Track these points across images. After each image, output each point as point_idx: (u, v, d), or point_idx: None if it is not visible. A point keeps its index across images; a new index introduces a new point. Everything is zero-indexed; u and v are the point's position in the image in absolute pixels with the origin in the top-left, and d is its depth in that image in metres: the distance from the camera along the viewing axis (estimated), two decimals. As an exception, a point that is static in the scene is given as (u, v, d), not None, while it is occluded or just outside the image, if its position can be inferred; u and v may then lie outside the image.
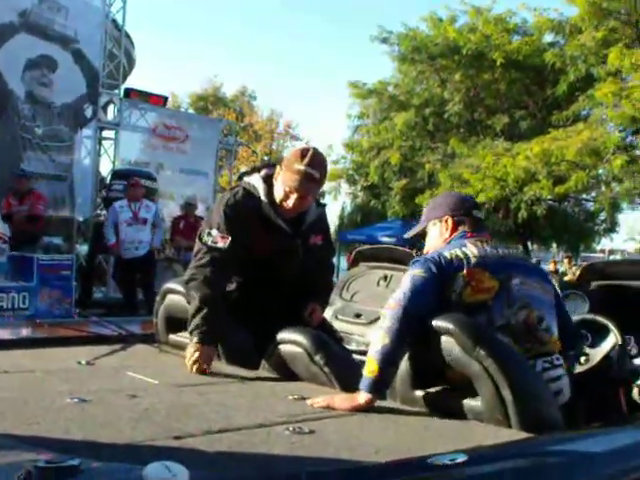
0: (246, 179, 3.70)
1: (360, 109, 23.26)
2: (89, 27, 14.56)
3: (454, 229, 3.16)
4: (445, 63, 20.55)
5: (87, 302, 12.31)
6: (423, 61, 20.60)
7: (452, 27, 20.27)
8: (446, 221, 3.19)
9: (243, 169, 38.18)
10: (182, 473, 1.43)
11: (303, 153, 3.50)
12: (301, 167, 3.44)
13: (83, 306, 11.06)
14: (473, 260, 2.90)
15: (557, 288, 3.33)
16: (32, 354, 3.45)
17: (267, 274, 3.64)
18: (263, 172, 3.66)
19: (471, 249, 2.95)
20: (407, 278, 2.85)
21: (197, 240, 3.61)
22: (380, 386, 2.68)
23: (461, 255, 2.90)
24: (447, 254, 2.91)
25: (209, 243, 3.51)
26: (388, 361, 2.69)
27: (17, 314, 9.73)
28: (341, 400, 2.69)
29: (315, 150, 3.55)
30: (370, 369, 2.68)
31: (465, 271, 2.85)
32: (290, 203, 3.52)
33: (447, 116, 20.36)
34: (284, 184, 3.51)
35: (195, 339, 3.37)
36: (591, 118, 17.76)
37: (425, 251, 3.26)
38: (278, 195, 3.56)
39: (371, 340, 2.77)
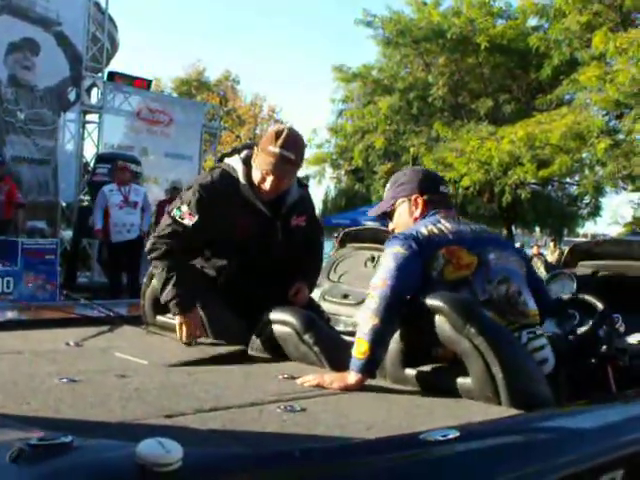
0: (226, 160, 3.66)
1: (344, 93, 23.25)
2: (72, 10, 14.50)
3: (424, 208, 3.11)
4: (429, 47, 20.56)
5: (72, 286, 12.28)
6: (407, 45, 20.59)
7: (436, 11, 20.28)
8: (415, 200, 3.14)
9: (227, 153, 38.34)
10: (176, 449, 1.42)
11: (277, 134, 3.42)
12: (275, 149, 3.38)
13: (68, 290, 11.02)
14: (450, 237, 2.89)
15: (527, 258, 3.38)
16: (19, 336, 3.44)
17: (249, 258, 3.61)
18: (243, 153, 3.61)
19: (445, 225, 2.94)
20: (389, 257, 2.79)
21: (166, 212, 3.62)
22: (371, 366, 2.67)
23: (437, 232, 2.89)
24: (424, 230, 2.88)
25: (176, 217, 3.49)
26: (378, 341, 2.68)
27: (1, 298, 9.70)
28: (332, 379, 2.68)
29: (290, 130, 3.47)
30: (361, 350, 2.65)
31: (444, 249, 2.84)
32: (267, 185, 3.46)
33: (431, 100, 20.37)
34: (260, 166, 3.46)
35: (176, 310, 3.43)
36: (575, 102, 17.83)
37: (391, 229, 3.23)
38: (255, 177, 3.50)
39: (359, 321, 2.75)
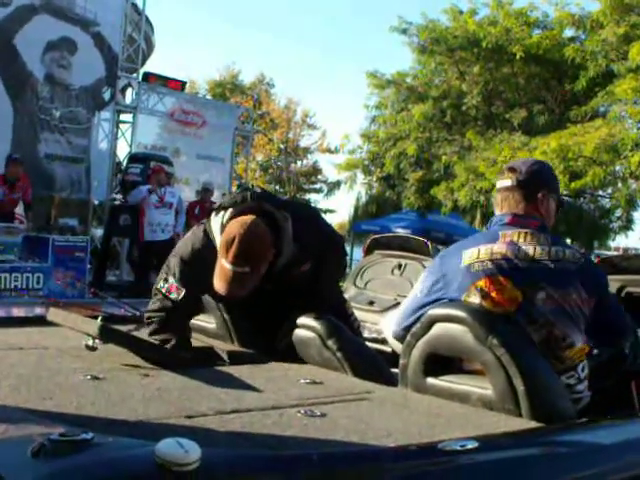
0: (212, 218, 3.32)
1: (378, 99, 23.20)
2: (109, 10, 14.63)
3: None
4: (464, 55, 20.46)
5: (100, 284, 12.37)
6: (442, 53, 20.51)
7: (472, 19, 20.17)
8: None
9: (259, 157, 38.23)
10: (194, 450, 1.44)
11: (227, 245, 3.02)
12: (227, 265, 3.02)
13: (96, 288, 11.11)
14: (497, 265, 2.68)
15: (602, 293, 2.90)
16: (47, 332, 3.47)
17: (245, 312, 3.47)
18: (227, 214, 3.22)
19: (500, 248, 2.71)
20: (417, 284, 2.82)
21: (154, 288, 3.43)
22: None
23: (484, 257, 2.69)
24: (470, 252, 2.73)
25: (163, 291, 3.32)
26: None
27: (31, 294, 9.80)
28: None
29: (242, 236, 3.00)
30: None
31: (483, 280, 2.67)
32: (222, 294, 3.12)
33: (465, 108, 20.29)
34: (216, 272, 3.11)
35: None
36: (610, 114, 17.65)
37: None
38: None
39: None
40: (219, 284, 3.06)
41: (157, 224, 11.79)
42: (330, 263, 3.49)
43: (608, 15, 17.24)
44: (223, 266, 3.03)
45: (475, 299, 2.65)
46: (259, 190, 3.34)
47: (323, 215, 3.76)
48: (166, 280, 3.32)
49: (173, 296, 3.27)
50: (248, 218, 3.12)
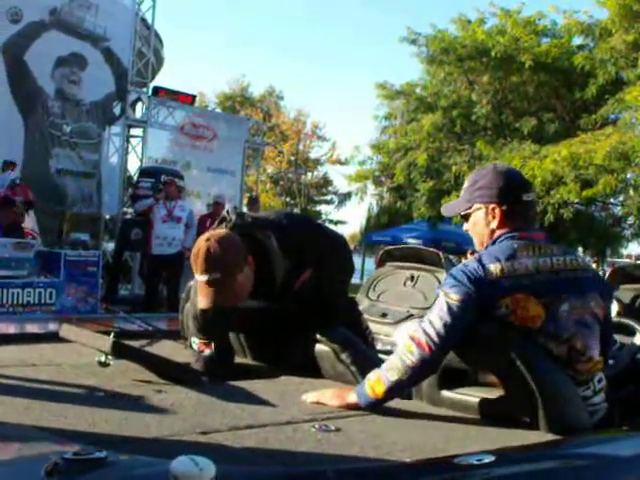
0: None
1: (387, 110, 23.22)
2: (119, 25, 14.70)
3: (502, 221, 2.76)
4: (473, 65, 20.46)
5: (112, 299, 12.40)
6: (451, 63, 20.51)
7: (481, 29, 20.18)
8: (493, 210, 2.78)
9: (270, 169, 38.28)
10: (209, 467, 1.43)
11: (195, 258, 3.04)
12: (198, 277, 3.04)
13: (108, 303, 11.13)
14: (520, 280, 2.60)
15: (611, 303, 2.99)
16: (60, 348, 3.47)
17: (258, 329, 3.48)
18: None
19: (520, 260, 2.64)
20: (442, 306, 2.57)
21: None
22: (376, 408, 2.59)
23: (507, 271, 2.60)
24: (492, 268, 2.60)
25: (197, 352, 3.27)
26: (396, 395, 2.64)
27: (43, 309, 9.82)
28: (331, 396, 2.66)
29: (209, 246, 3.00)
30: (376, 390, 2.57)
31: (509, 298, 2.57)
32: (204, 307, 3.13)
33: (474, 118, 20.27)
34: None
35: None
36: (620, 122, 17.62)
37: (465, 229, 2.95)
38: None
39: (392, 359, 2.60)
40: (199, 300, 3.08)
41: (164, 238, 11.80)
42: (330, 264, 3.43)
43: (617, 23, 17.24)
44: (197, 280, 3.07)
45: (500, 314, 2.57)
46: (237, 213, 3.29)
47: (331, 225, 3.70)
48: (194, 342, 3.28)
49: (208, 353, 3.23)
50: (214, 231, 3.16)
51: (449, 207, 3.17)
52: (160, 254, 11.80)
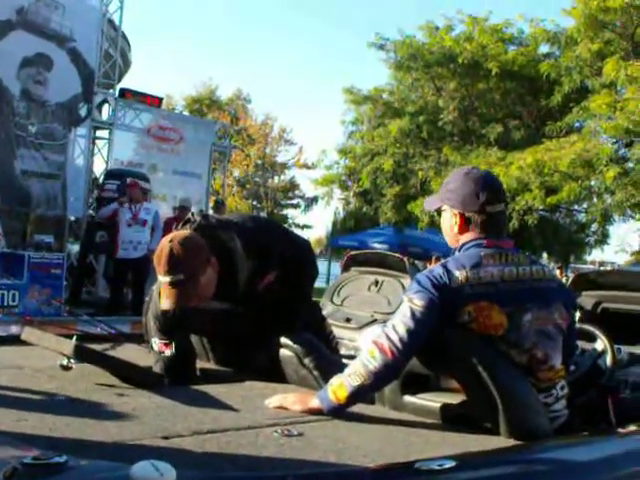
0: None
1: (355, 115, 23.25)
2: (86, 26, 14.57)
3: (463, 228, 2.77)
4: (441, 71, 20.56)
5: (76, 301, 12.30)
6: (419, 69, 20.58)
7: (448, 36, 20.28)
8: (455, 215, 2.80)
9: (236, 173, 38.18)
10: (170, 472, 1.43)
11: (158, 260, 3.04)
12: (162, 279, 3.04)
13: (72, 305, 11.05)
14: (484, 289, 2.60)
15: (574, 313, 3.01)
16: (21, 351, 3.44)
17: (221, 333, 3.49)
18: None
19: (485, 269, 2.63)
20: (406, 311, 2.57)
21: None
22: (339, 413, 2.59)
23: (472, 279, 2.60)
24: (458, 275, 2.61)
25: (157, 352, 3.28)
26: (359, 400, 2.63)
27: (6, 312, 9.71)
28: (294, 401, 2.66)
29: (171, 247, 3.00)
30: (338, 395, 2.56)
31: (472, 305, 2.58)
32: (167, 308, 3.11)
33: (441, 124, 20.34)
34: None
35: None
36: (585, 129, 17.79)
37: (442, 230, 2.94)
38: None
39: (354, 364, 2.59)
40: (162, 301, 3.07)
41: (129, 242, 11.73)
42: (294, 267, 3.43)
43: (582, 32, 17.40)
44: (160, 282, 3.06)
45: (463, 321, 2.58)
46: (202, 215, 3.33)
47: (297, 229, 3.72)
48: (154, 342, 3.28)
49: (168, 353, 3.23)
50: (177, 232, 3.16)
51: (427, 200, 3.14)
52: (126, 258, 11.73)
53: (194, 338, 3.50)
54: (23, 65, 13.48)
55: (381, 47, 20.84)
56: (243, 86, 66.21)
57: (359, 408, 2.66)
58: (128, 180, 12.88)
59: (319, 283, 4.14)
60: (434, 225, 19.34)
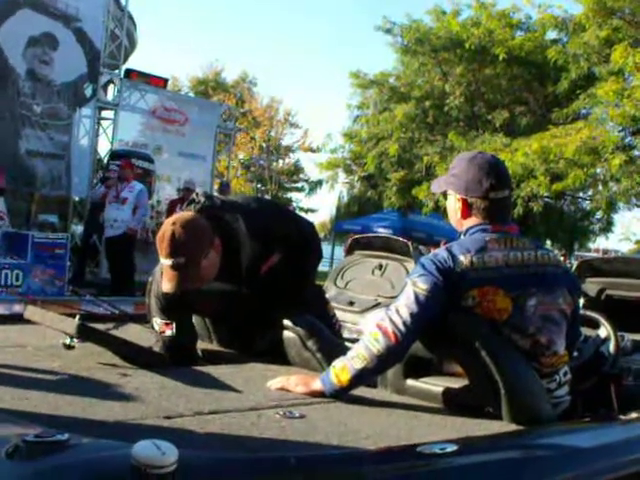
0: None
1: (360, 99, 23.19)
2: (92, 6, 14.53)
3: (466, 213, 2.77)
4: (447, 56, 20.48)
5: (80, 281, 12.32)
6: (425, 53, 20.51)
7: (455, 21, 20.19)
8: (458, 200, 2.80)
9: (241, 155, 38.15)
10: (172, 452, 1.42)
11: (160, 241, 3.01)
12: (163, 261, 3.02)
13: (76, 285, 11.05)
14: (489, 274, 2.59)
15: (579, 299, 2.96)
16: (24, 330, 3.44)
17: (225, 314, 3.48)
18: None
19: (490, 253, 2.63)
20: (410, 295, 2.57)
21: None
22: (341, 395, 2.59)
23: (477, 263, 2.60)
24: (462, 259, 2.60)
25: (158, 332, 3.27)
26: (361, 383, 2.63)
27: (9, 291, 9.73)
28: (297, 383, 2.66)
29: (175, 229, 2.98)
30: (341, 377, 2.56)
31: (477, 290, 2.58)
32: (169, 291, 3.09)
33: (447, 109, 20.28)
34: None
35: None
36: (591, 117, 17.72)
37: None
38: None
39: (357, 347, 2.59)
40: (163, 283, 3.05)
41: (108, 220, 11.83)
42: (298, 249, 3.42)
43: (590, 18, 17.30)
44: (162, 264, 3.05)
45: (467, 305, 2.58)
46: (205, 196, 3.28)
47: (301, 212, 3.70)
48: (155, 322, 3.28)
49: (168, 333, 3.22)
50: (179, 214, 3.15)
51: (434, 182, 3.10)
52: (108, 236, 11.85)
53: (197, 319, 3.50)
54: (29, 44, 13.45)
55: (388, 31, 20.74)
56: (249, 69, 65.99)
57: (361, 391, 2.66)
58: (122, 160, 12.89)
59: (323, 267, 4.12)
60: (438, 210, 19.34)
